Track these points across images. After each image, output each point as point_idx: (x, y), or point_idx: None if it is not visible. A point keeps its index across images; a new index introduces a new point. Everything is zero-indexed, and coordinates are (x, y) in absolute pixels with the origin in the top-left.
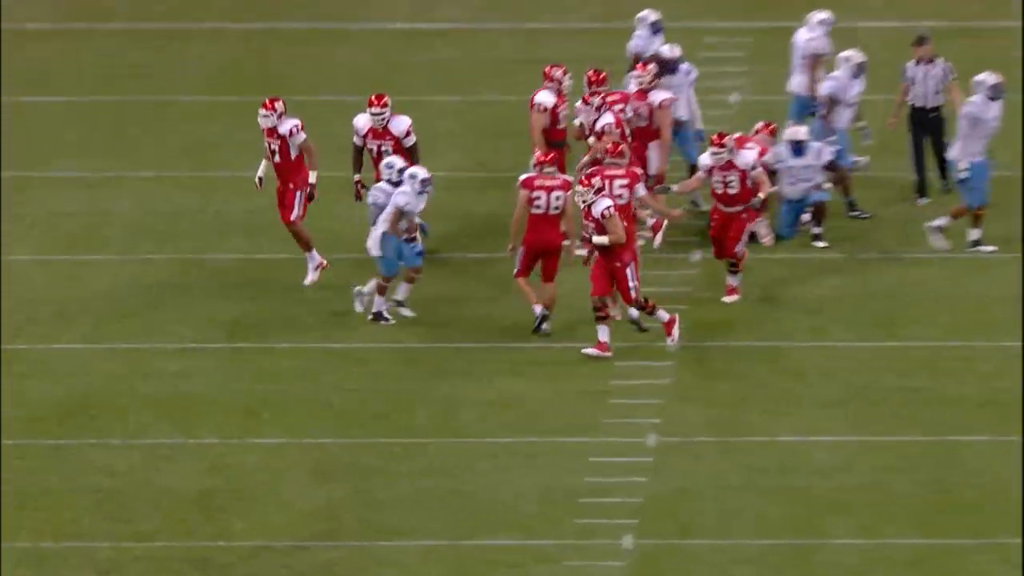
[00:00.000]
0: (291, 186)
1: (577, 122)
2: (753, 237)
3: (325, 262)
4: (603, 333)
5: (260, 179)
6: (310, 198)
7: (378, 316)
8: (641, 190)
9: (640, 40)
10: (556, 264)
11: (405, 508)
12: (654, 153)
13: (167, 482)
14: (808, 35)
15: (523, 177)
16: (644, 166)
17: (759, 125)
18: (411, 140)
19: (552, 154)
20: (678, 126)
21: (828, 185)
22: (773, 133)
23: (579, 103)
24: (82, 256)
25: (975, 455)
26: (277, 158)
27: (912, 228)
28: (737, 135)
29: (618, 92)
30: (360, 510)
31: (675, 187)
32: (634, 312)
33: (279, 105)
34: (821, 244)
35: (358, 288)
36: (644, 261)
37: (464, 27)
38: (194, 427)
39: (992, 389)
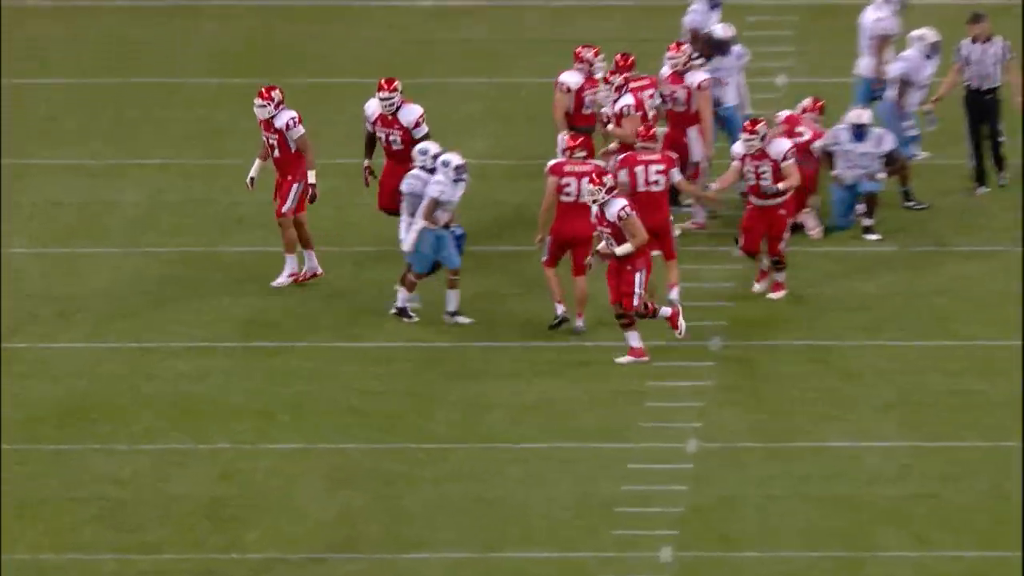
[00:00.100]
0: (289, 178)
1: (600, 108)
2: (800, 229)
3: (319, 271)
4: (634, 339)
5: (252, 179)
6: (312, 199)
7: (402, 312)
8: (677, 175)
9: (697, 15)
10: (586, 255)
11: (429, 517)
12: (695, 139)
13: (175, 490)
14: (876, 15)
15: (552, 163)
16: (683, 155)
17: (806, 102)
18: (421, 131)
19: (582, 138)
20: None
21: (882, 175)
22: (822, 111)
23: (600, 85)
24: (83, 249)
25: None
26: (276, 152)
27: (970, 219)
28: (786, 114)
29: (646, 76)
30: (381, 519)
31: (714, 185)
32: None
33: (276, 94)
34: (873, 236)
35: (392, 310)
36: (684, 255)
37: (493, 4)
38: (204, 431)
39: None
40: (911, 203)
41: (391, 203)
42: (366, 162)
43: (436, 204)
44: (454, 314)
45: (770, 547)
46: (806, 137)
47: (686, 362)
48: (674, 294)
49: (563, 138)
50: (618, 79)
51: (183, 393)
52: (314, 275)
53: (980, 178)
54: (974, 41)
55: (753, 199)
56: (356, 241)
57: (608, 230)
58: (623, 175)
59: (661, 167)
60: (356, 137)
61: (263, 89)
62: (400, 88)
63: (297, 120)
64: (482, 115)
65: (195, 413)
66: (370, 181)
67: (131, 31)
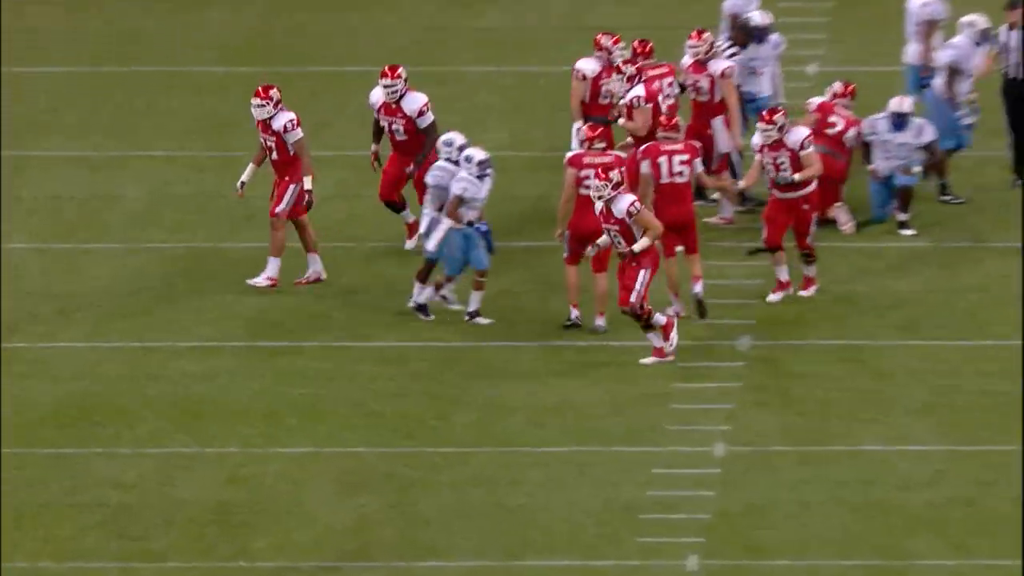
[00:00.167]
0: (287, 179)
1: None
2: (832, 223)
3: (323, 276)
4: (656, 339)
5: (243, 183)
6: (308, 206)
7: (420, 308)
8: (699, 166)
9: (737, 0)
10: (608, 252)
11: (446, 524)
12: (720, 130)
13: (180, 495)
14: (923, 0)
15: (570, 155)
16: (708, 147)
17: (836, 87)
18: (426, 120)
19: (601, 129)
20: (750, 101)
21: (918, 169)
22: (853, 95)
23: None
24: (85, 245)
25: None
26: (275, 155)
27: (1008, 214)
28: (818, 102)
29: (664, 64)
30: (396, 526)
31: (740, 184)
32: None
33: (274, 93)
34: (908, 232)
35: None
36: (711, 251)
37: None
38: (210, 434)
39: None
40: (948, 197)
41: (392, 193)
42: (373, 147)
43: (460, 202)
44: (474, 315)
45: (801, 555)
46: (839, 128)
47: (713, 362)
48: (698, 288)
49: (579, 128)
50: (630, 69)
51: (188, 394)
52: (318, 279)
53: (1019, 171)
54: (1011, 28)
55: (775, 192)
56: (368, 235)
57: (616, 227)
58: (645, 166)
59: (685, 157)
60: (368, 128)
61: (260, 88)
62: (404, 76)
63: (296, 122)
64: (500, 105)
65: (201, 415)
66: (376, 167)
67: (134, 18)
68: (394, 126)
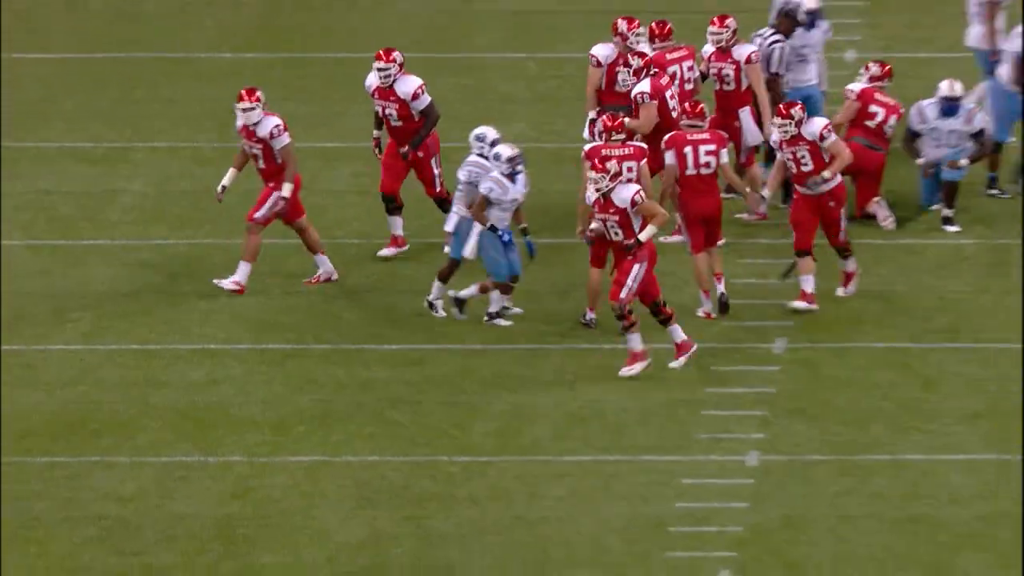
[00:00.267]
0: (272, 185)
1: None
2: (872, 218)
3: (334, 275)
4: (677, 334)
5: (223, 188)
6: (278, 214)
7: (495, 315)
8: (725, 156)
9: None
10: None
11: (464, 540)
12: (748, 121)
13: (182, 508)
14: None
15: (588, 147)
16: (735, 140)
17: (874, 69)
18: (421, 103)
19: (621, 119)
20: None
21: (965, 162)
22: (890, 75)
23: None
24: (83, 241)
25: None
26: (261, 163)
27: None
28: (859, 88)
29: (684, 46)
30: (411, 542)
31: (765, 192)
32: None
33: (261, 95)
34: (953, 228)
35: (454, 293)
36: (744, 248)
37: None
38: (214, 443)
39: None
40: (996, 191)
41: (394, 186)
42: (375, 134)
43: (487, 203)
44: (495, 316)
45: (840, 572)
46: (879, 119)
47: (747, 366)
48: (721, 286)
49: (593, 118)
50: (637, 61)
51: (191, 401)
52: (329, 279)
53: None
54: None
55: (798, 188)
56: (381, 232)
57: (615, 217)
58: (670, 156)
59: (712, 147)
60: None
61: (244, 91)
62: (400, 60)
63: (283, 127)
64: (523, 94)
65: (204, 423)
66: (377, 154)
67: (137, 1)
68: (388, 111)
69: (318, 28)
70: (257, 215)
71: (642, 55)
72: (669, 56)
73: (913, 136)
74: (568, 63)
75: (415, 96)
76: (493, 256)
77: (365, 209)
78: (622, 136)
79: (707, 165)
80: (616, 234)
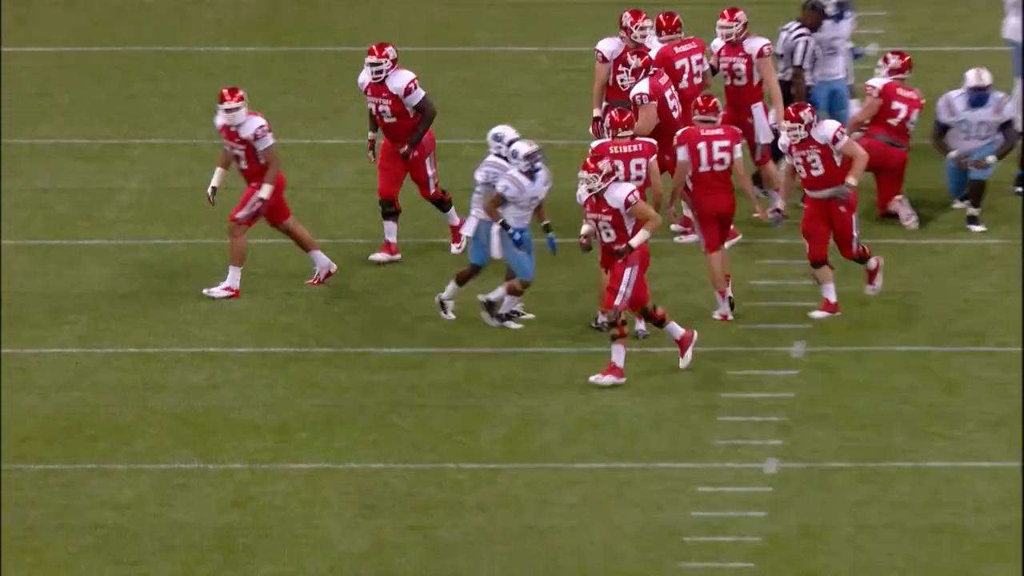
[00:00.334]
0: (254, 185)
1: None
2: (894, 217)
3: (333, 268)
4: (675, 331)
5: (214, 189)
6: (255, 216)
7: (508, 316)
8: (739, 152)
9: None
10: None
11: (471, 549)
12: (760, 116)
13: (181, 517)
14: None
15: (595, 144)
16: (749, 136)
17: (894, 62)
18: (415, 98)
19: (629, 115)
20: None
21: (992, 158)
22: (910, 67)
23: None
24: (78, 241)
25: None
26: (243, 164)
27: None
28: (881, 84)
29: (692, 39)
30: (416, 552)
31: (780, 204)
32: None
33: (244, 95)
34: (978, 228)
35: (483, 297)
36: (762, 248)
37: None
38: (214, 449)
39: None
40: (1022, 189)
41: (392, 189)
42: (370, 135)
43: (502, 200)
44: (505, 318)
45: None
46: (901, 116)
47: (764, 371)
48: (728, 290)
49: (597, 115)
50: (636, 60)
51: (190, 405)
52: (329, 274)
53: None
54: None
55: (808, 192)
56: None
57: (608, 218)
58: (683, 153)
59: (725, 143)
60: None
61: (226, 90)
62: (393, 55)
63: (266, 128)
64: (533, 89)
65: (204, 428)
66: (372, 158)
67: None
68: (380, 107)
69: (319, 21)
70: (239, 215)
71: (641, 54)
72: (677, 49)
73: (942, 131)
74: (580, 56)
75: (407, 91)
76: (519, 255)
77: (368, 207)
78: (630, 132)
79: (721, 161)
80: (608, 235)
